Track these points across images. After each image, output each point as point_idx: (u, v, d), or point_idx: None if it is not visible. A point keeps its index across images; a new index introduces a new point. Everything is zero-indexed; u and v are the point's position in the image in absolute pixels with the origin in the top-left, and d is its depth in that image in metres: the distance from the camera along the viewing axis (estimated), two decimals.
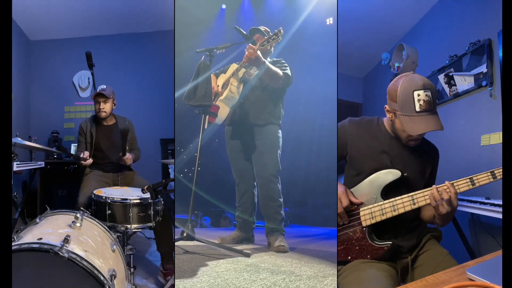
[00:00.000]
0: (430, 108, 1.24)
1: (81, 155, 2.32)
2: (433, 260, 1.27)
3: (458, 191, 1.18)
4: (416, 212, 1.38)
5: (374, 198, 1.31)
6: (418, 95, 1.24)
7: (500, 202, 1.73)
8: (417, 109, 1.24)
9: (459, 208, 1.98)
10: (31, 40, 4.25)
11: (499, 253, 0.90)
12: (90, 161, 2.36)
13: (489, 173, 1.17)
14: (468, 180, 1.19)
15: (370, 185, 1.33)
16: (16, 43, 3.84)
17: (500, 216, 1.64)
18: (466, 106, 2.57)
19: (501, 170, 1.15)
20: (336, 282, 1.32)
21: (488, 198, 1.91)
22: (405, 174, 1.30)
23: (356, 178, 1.38)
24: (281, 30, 1.90)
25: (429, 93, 1.25)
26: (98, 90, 2.43)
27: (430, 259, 1.28)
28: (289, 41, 2.19)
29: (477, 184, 1.18)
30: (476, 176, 1.18)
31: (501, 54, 2.15)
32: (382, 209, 1.27)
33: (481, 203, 1.83)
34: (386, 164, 1.33)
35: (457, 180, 1.20)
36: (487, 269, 0.79)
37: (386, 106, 1.36)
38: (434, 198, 1.18)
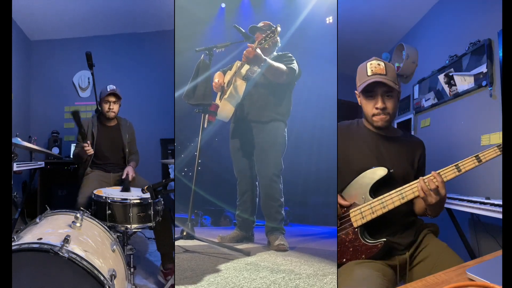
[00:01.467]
0: (383, 74, 1.29)
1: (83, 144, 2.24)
2: (433, 253, 1.27)
3: (445, 179, 1.19)
4: (410, 207, 1.39)
5: (363, 198, 1.31)
6: (371, 64, 1.32)
7: (500, 202, 1.73)
8: (369, 73, 1.31)
9: (459, 208, 1.99)
10: (31, 40, 4.25)
11: (499, 253, 0.90)
12: (91, 151, 2.28)
13: (473, 158, 1.18)
14: (453, 167, 1.20)
15: (358, 186, 1.33)
16: (16, 43, 3.83)
17: (500, 216, 1.64)
18: (466, 106, 2.57)
19: (485, 153, 1.17)
20: (336, 281, 1.32)
21: (488, 198, 1.90)
22: (392, 171, 1.30)
23: (345, 181, 1.38)
24: (278, 28, 1.90)
25: (381, 63, 1.31)
26: (110, 90, 2.40)
27: (430, 253, 1.28)
28: (289, 40, 2.19)
29: (463, 170, 1.19)
30: (461, 162, 1.19)
31: (501, 54, 2.15)
32: (371, 208, 1.27)
33: (481, 203, 1.82)
34: (372, 163, 1.34)
35: (443, 169, 1.20)
36: (487, 269, 0.79)
37: (356, 91, 1.41)
38: (422, 189, 1.19)
